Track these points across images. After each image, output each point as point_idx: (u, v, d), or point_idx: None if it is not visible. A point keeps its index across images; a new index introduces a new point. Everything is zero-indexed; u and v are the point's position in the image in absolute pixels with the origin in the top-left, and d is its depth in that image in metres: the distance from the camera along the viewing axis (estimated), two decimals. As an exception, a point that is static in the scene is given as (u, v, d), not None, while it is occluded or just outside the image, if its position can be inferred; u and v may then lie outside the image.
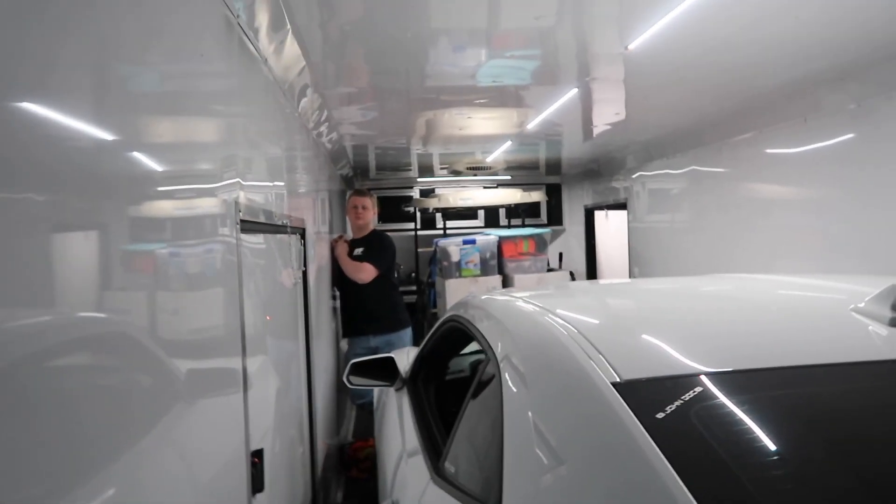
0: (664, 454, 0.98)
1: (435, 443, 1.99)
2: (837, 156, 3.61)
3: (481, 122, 4.82)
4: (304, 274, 3.32)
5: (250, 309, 2.00)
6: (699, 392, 1.13)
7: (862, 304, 1.39)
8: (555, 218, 8.81)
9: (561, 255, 8.40)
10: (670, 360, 1.29)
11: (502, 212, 8.55)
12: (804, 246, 3.92)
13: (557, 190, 8.83)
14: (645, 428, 1.03)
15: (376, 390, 3.70)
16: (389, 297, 5.03)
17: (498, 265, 6.62)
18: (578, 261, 8.31)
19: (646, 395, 1.13)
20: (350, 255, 4.89)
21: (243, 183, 2.00)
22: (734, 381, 1.19)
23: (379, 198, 5.38)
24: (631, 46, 2.78)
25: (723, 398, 1.14)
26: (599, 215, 8.01)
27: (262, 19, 2.24)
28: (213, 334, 1.70)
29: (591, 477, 1.08)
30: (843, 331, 1.38)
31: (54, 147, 0.93)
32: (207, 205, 1.70)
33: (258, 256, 2.29)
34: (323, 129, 4.30)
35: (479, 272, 6.49)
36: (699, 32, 2.68)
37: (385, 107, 4.19)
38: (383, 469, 2.69)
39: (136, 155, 1.26)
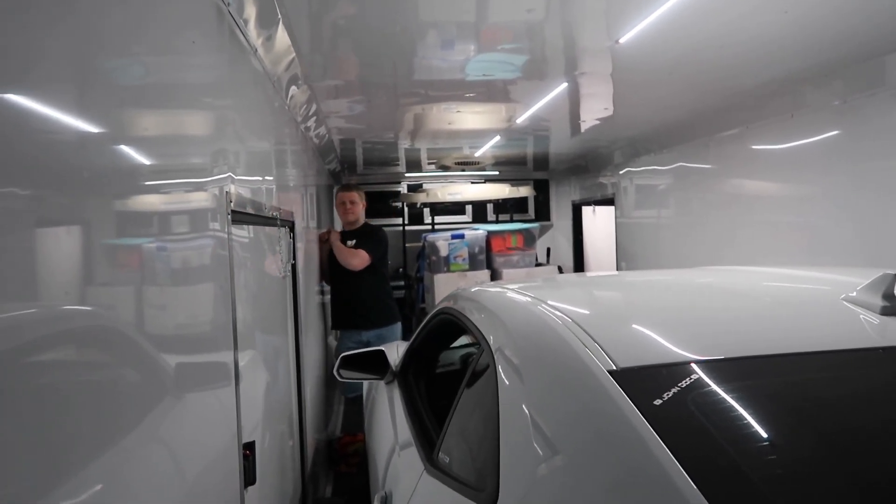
0: (664, 441, 0.99)
1: (428, 435, 1.99)
2: (822, 152, 3.65)
3: (470, 116, 4.82)
4: (294, 267, 3.31)
5: (241, 302, 1.99)
6: (695, 379, 1.14)
7: (853, 294, 1.40)
8: (542, 213, 8.84)
9: (549, 249, 8.43)
10: (665, 348, 1.30)
11: (490, 207, 8.56)
12: (788, 241, 3.96)
13: (545, 185, 8.85)
14: (643, 415, 1.04)
15: (366, 384, 3.69)
16: (381, 291, 5.02)
17: (486, 260, 6.63)
18: (566, 256, 8.34)
19: (642, 382, 1.14)
20: (342, 244, 4.88)
21: (234, 177, 1.98)
22: (729, 368, 1.20)
23: (366, 193, 5.37)
24: (622, 40, 2.79)
25: (718, 385, 1.15)
26: (587, 211, 8.04)
27: (253, 9, 2.23)
28: (206, 327, 1.69)
29: (590, 464, 1.09)
30: (835, 319, 1.39)
31: (41, 141, 0.91)
32: (199, 198, 1.69)
33: (248, 250, 2.28)
34: (311, 122, 4.29)
35: (467, 267, 6.50)
36: (689, 27, 2.69)
37: (373, 101, 4.17)
38: (374, 462, 2.68)
39: (126, 148, 1.24)
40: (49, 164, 0.93)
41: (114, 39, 1.21)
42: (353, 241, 4.91)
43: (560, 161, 7.76)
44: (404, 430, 2.21)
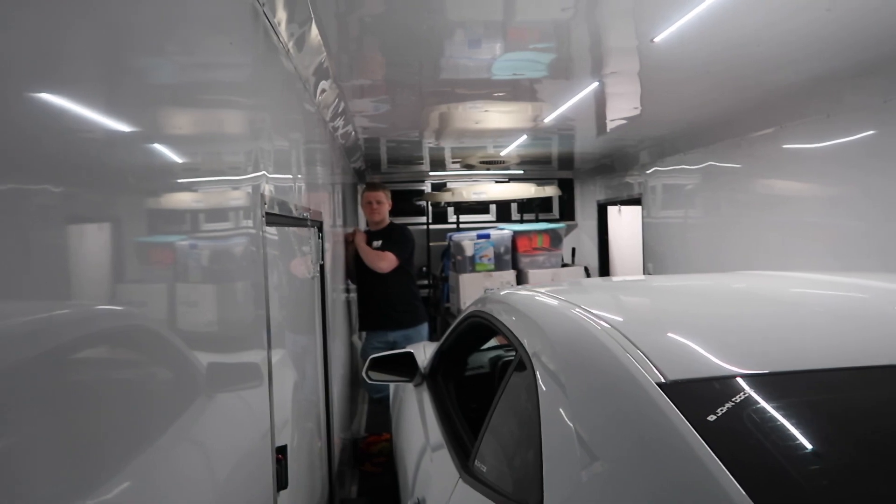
0: (720, 458, 0.95)
1: (460, 440, 1.96)
2: (859, 152, 3.56)
3: (496, 116, 4.78)
4: (322, 267, 3.30)
5: (274, 302, 1.98)
6: (748, 395, 1.09)
7: None
8: (567, 213, 8.77)
9: (574, 250, 8.36)
10: (713, 360, 1.25)
11: (514, 207, 8.50)
12: (820, 243, 3.87)
13: (570, 185, 8.78)
14: (697, 431, 1.00)
15: (392, 385, 3.68)
16: (408, 291, 5.00)
17: (512, 260, 6.58)
18: (591, 256, 8.27)
19: (694, 396, 1.10)
20: (369, 246, 4.86)
21: (268, 176, 1.97)
22: (784, 383, 1.16)
23: (395, 192, 5.35)
24: (657, 39, 2.74)
25: (773, 402, 1.10)
26: (612, 211, 7.96)
27: (286, 9, 2.22)
28: (239, 327, 1.68)
29: (643, 482, 1.05)
30: (887, 331, 1.34)
31: (76, 140, 0.90)
32: (234, 197, 1.68)
33: (280, 249, 2.27)
34: (339, 122, 4.28)
35: (493, 267, 6.45)
36: (727, 23, 2.64)
37: (399, 100, 4.16)
38: (403, 465, 2.66)
39: (162, 147, 1.23)
40: (84, 163, 0.92)
41: (149, 39, 1.19)
42: (380, 242, 4.89)
43: (585, 160, 7.69)
44: (435, 433, 2.18)
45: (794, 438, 1.05)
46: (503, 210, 8.52)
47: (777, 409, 1.09)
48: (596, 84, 3.70)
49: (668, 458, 1.04)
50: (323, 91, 3.33)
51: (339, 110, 4.03)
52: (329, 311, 3.48)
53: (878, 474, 1.01)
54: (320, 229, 3.24)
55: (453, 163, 7.54)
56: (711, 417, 1.03)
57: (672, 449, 1.03)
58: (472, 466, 1.66)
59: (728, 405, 1.06)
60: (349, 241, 4.89)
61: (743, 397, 1.08)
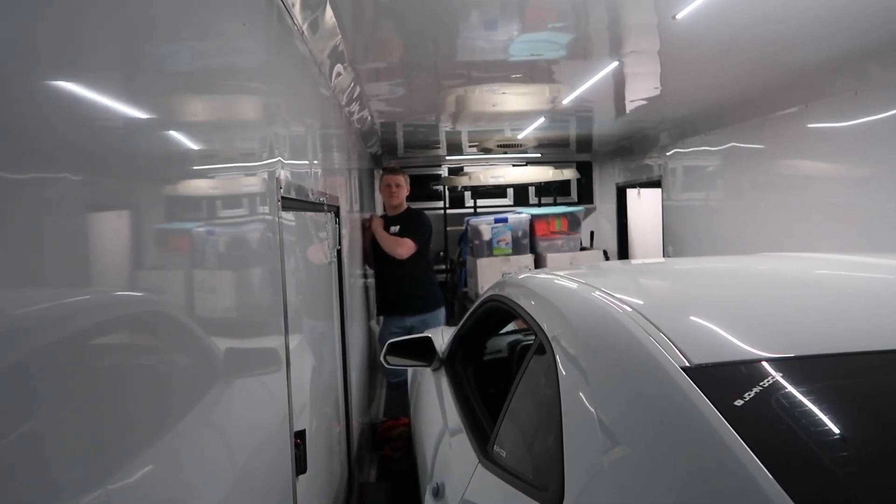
0: (747, 444, 0.92)
1: (479, 425, 1.94)
2: (889, 130, 3.47)
3: (513, 98, 4.73)
4: (339, 252, 3.29)
5: (291, 287, 1.97)
6: (776, 379, 1.06)
7: None
8: (585, 196, 8.69)
9: (592, 233, 8.30)
10: (739, 344, 1.22)
11: (532, 190, 8.45)
12: (847, 224, 3.79)
13: (588, 168, 8.70)
14: (724, 416, 0.98)
15: (410, 370, 3.67)
16: (425, 276, 4.99)
17: (530, 244, 6.54)
18: (610, 240, 8.20)
19: (720, 381, 1.07)
20: (387, 231, 4.85)
21: (284, 161, 1.96)
22: (814, 367, 1.12)
23: (412, 176, 5.33)
24: (679, 16, 2.68)
25: (801, 386, 1.07)
26: (631, 193, 7.88)
27: (300, -9, 2.19)
28: (257, 312, 1.68)
29: (667, 466, 1.03)
30: None
31: (93, 128, 0.90)
32: (250, 182, 1.66)
33: (297, 235, 2.26)
34: (354, 106, 4.25)
35: (510, 251, 6.42)
36: (749, 1, 2.57)
37: (415, 83, 4.12)
38: (422, 449, 2.66)
39: (178, 134, 1.23)
40: (100, 151, 0.92)
41: (165, 25, 1.18)
42: (397, 227, 4.87)
43: (604, 143, 7.61)
44: (454, 418, 2.17)
45: (823, 424, 1.02)
46: (521, 194, 8.47)
47: (805, 393, 1.07)
48: (615, 64, 3.63)
49: (693, 443, 1.02)
50: (338, 75, 3.31)
51: (355, 94, 4.00)
52: (346, 296, 3.48)
53: None
54: (337, 214, 3.23)
55: (470, 146, 7.49)
56: (738, 402, 1.01)
57: (698, 435, 1.00)
58: (492, 451, 1.65)
59: (756, 390, 1.03)
60: (366, 227, 4.87)
61: (770, 382, 1.05)
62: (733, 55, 3.48)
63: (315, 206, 2.58)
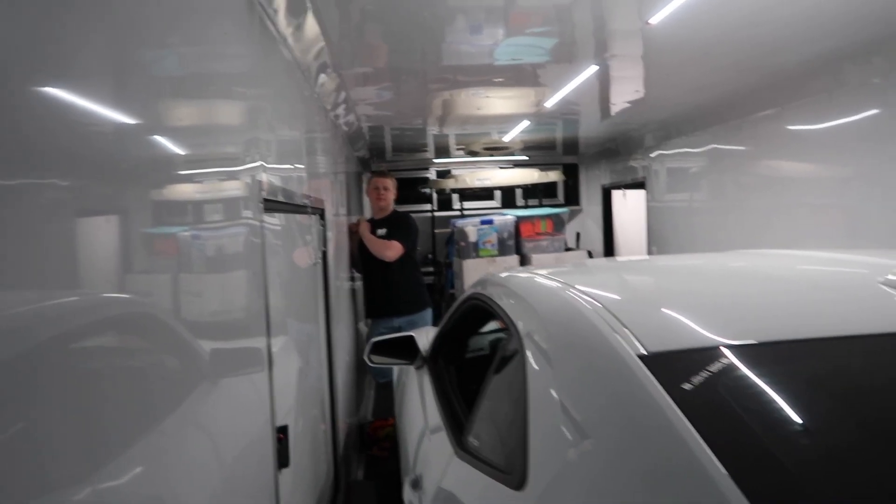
0: (694, 427, 0.98)
1: (457, 419, 2.00)
2: (862, 132, 3.55)
3: (498, 101, 4.79)
4: (325, 254, 3.33)
5: (274, 289, 2.02)
6: (726, 364, 1.12)
7: (891, 276, 1.37)
8: (572, 198, 8.76)
9: (578, 234, 8.37)
10: (696, 332, 1.28)
11: (519, 193, 8.51)
12: (827, 224, 3.87)
13: (574, 170, 8.78)
14: (673, 400, 1.03)
15: (396, 369, 3.72)
16: (413, 278, 5.04)
17: (516, 245, 6.61)
18: (596, 240, 8.27)
19: (673, 367, 1.13)
20: (374, 235, 4.90)
21: (266, 165, 2.00)
22: (762, 353, 1.18)
23: (399, 179, 5.38)
24: (652, 21, 2.74)
25: (750, 370, 1.13)
26: (617, 195, 7.96)
27: (282, -1, 2.24)
28: (240, 314, 1.72)
29: (618, 449, 1.09)
30: (872, 303, 1.36)
31: (79, 133, 0.93)
32: (232, 186, 1.71)
33: (280, 238, 2.30)
34: (340, 110, 4.30)
35: (496, 252, 6.48)
36: (724, 6, 2.64)
37: (401, 87, 4.17)
38: (405, 446, 2.71)
39: (161, 139, 1.26)
40: (87, 155, 0.95)
41: (148, 33, 1.22)
42: (384, 230, 4.92)
43: (590, 145, 7.68)
44: (434, 414, 2.22)
45: (769, 405, 1.08)
46: (508, 197, 8.53)
47: (753, 377, 1.13)
48: (597, 68, 3.70)
49: (644, 425, 1.07)
50: (324, 80, 3.36)
51: (341, 99, 4.05)
52: (333, 299, 3.52)
53: (847, 434, 1.04)
54: (322, 217, 3.27)
55: (457, 150, 7.55)
56: (688, 386, 1.06)
57: (649, 417, 1.06)
58: (467, 443, 1.70)
59: (705, 375, 1.09)
60: (353, 231, 4.92)
61: (721, 367, 1.11)
62: (711, 59, 3.56)
63: (299, 209, 2.62)
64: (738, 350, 1.17)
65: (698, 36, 3.06)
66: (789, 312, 1.39)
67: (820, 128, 3.90)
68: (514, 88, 4.38)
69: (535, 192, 8.32)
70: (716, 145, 5.23)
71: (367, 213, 6.05)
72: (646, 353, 1.16)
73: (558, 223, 6.73)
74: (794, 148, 4.20)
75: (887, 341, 1.21)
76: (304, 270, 2.86)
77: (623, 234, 8.00)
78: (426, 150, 7.60)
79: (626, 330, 1.25)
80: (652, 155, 6.51)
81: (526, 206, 8.24)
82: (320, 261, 3.27)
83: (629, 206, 7.71)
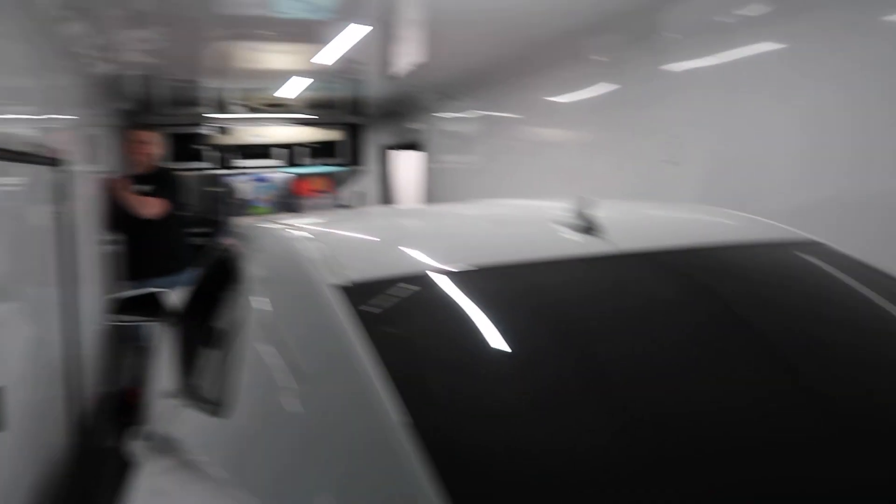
0: (378, 351, 1.09)
1: (191, 370, 1.99)
2: (599, 105, 3.95)
3: (275, 56, 4.69)
4: (68, 212, 3.05)
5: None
6: (423, 289, 1.27)
7: (558, 217, 1.61)
8: (355, 158, 8.78)
9: (361, 193, 8.42)
10: (400, 262, 1.43)
11: (306, 152, 8.36)
12: (577, 184, 4.24)
13: (358, 130, 8.78)
14: (365, 328, 1.13)
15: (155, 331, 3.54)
16: (175, 237, 4.79)
17: (291, 203, 6.55)
18: (376, 200, 8.40)
19: (368, 295, 1.24)
20: (134, 192, 4.56)
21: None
22: (459, 278, 1.33)
23: (171, 135, 5.04)
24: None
25: (446, 292, 1.28)
26: (400, 156, 8.11)
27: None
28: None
29: (308, 377, 1.18)
30: (543, 237, 1.61)
31: None
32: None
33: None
34: (96, 57, 3.92)
35: (270, 210, 6.38)
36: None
37: (172, 36, 3.90)
38: (148, 406, 2.61)
39: None
40: None
41: None
42: (148, 187, 4.60)
43: (374, 106, 7.74)
44: (174, 368, 2.18)
45: (460, 324, 1.22)
46: (291, 156, 8.36)
47: (447, 298, 1.28)
48: (371, 28, 3.72)
49: (328, 355, 1.18)
50: (71, 20, 3.02)
51: (97, 44, 3.69)
52: (82, 261, 3.25)
53: (522, 344, 1.21)
54: (64, 170, 2.99)
55: (237, 106, 7.24)
56: (377, 311, 1.20)
57: (333, 346, 1.16)
58: (193, 388, 1.75)
59: (399, 299, 1.24)
60: (114, 189, 4.55)
61: (416, 291, 1.27)
62: (478, 27, 3.73)
63: (22, 157, 2.36)
64: (436, 274, 1.31)
65: (462, 4, 3.18)
66: (483, 245, 1.59)
67: (567, 100, 4.26)
68: (289, 43, 4.30)
69: (320, 152, 8.23)
70: (488, 112, 5.52)
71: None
72: (350, 283, 1.26)
73: (336, 181, 6.75)
74: (551, 116, 4.57)
75: (553, 266, 1.42)
76: (32, 229, 2.60)
77: (404, 194, 8.19)
78: (200, 105, 7.20)
79: (334, 263, 1.34)
80: (431, 118, 6.71)
81: (306, 165, 8.16)
82: (62, 219, 2.98)
83: (410, 167, 7.90)
